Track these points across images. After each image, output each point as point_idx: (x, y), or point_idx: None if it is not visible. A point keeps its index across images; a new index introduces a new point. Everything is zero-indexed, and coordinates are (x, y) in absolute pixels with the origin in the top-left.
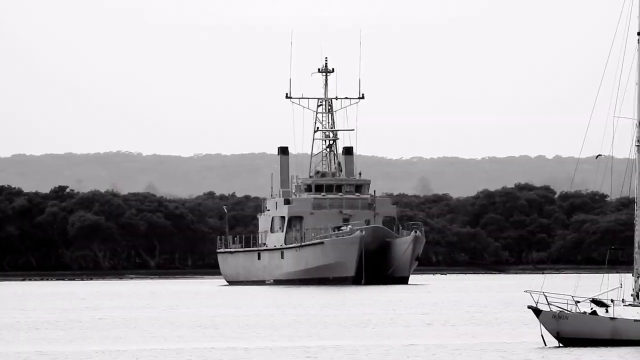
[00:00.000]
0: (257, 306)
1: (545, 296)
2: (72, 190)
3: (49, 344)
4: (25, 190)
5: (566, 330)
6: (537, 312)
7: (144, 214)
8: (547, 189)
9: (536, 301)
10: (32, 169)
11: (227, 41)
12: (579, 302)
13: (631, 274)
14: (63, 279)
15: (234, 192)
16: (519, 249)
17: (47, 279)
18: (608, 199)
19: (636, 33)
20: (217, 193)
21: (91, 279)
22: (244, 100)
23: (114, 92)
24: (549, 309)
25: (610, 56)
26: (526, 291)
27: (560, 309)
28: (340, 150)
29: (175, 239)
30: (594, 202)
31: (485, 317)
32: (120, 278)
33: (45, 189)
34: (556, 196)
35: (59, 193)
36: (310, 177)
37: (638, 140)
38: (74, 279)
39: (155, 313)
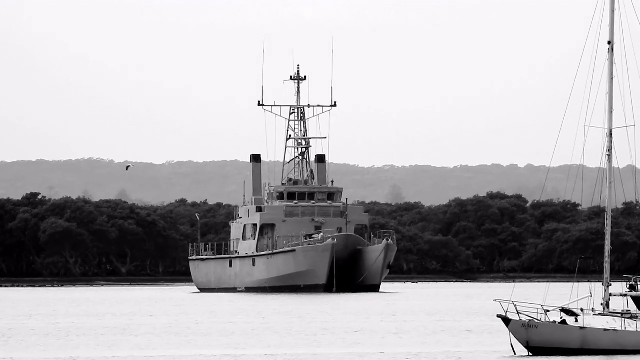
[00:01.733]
0: (223, 313)
1: (515, 305)
2: (44, 197)
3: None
4: None
5: (536, 339)
6: (506, 321)
7: (115, 221)
8: (519, 197)
9: (506, 310)
10: (4, 175)
11: (200, 49)
12: (548, 311)
13: (601, 283)
14: (34, 286)
15: (206, 200)
16: (491, 258)
17: (18, 285)
18: (580, 208)
19: (606, 42)
20: (189, 200)
21: (62, 285)
22: (216, 108)
23: (86, 99)
24: (518, 318)
25: (581, 66)
26: (496, 300)
27: (530, 318)
28: (312, 158)
29: (146, 246)
30: (565, 211)
31: (455, 326)
32: (92, 285)
33: (17, 195)
34: (528, 205)
35: (31, 200)
36: (283, 184)
37: (609, 150)
38: (45, 286)
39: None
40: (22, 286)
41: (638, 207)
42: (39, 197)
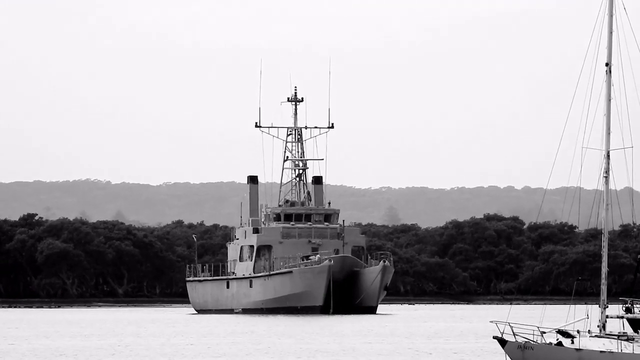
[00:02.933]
0: (214, 335)
1: (511, 326)
2: (40, 217)
3: None
4: None
5: None
6: (502, 342)
7: (112, 242)
8: (515, 219)
9: (502, 331)
10: (1, 196)
11: (197, 70)
12: (544, 332)
13: (598, 305)
14: (31, 307)
15: (203, 221)
16: (487, 280)
17: (15, 306)
18: (577, 230)
19: (604, 64)
20: (186, 221)
21: (59, 306)
22: (213, 129)
23: (82, 120)
24: (514, 340)
25: (579, 87)
26: (492, 321)
27: (526, 340)
28: (309, 180)
29: (143, 267)
30: (562, 233)
31: (451, 347)
32: (88, 306)
33: (14, 216)
34: (525, 227)
35: (28, 220)
36: (280, 206)
37: (606, 171)
38: (42, 307)
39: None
40: (19, 307)
41: (635, 229)
42: (36, 218)
